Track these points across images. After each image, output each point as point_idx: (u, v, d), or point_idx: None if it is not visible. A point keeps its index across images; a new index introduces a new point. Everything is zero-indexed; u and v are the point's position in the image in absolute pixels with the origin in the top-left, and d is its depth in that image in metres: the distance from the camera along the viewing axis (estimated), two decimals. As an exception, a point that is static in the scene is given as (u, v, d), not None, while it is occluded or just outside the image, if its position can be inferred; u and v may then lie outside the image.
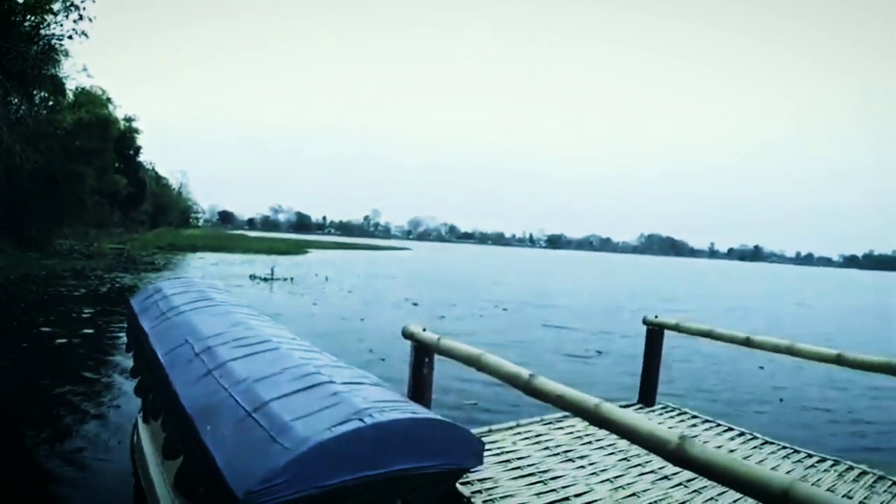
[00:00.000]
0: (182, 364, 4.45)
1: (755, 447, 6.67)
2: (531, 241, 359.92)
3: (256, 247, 75.95)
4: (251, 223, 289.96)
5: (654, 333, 7.77)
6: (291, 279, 35.55)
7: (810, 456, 6.46)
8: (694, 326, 7.30)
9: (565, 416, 6.97)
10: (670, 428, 6.92)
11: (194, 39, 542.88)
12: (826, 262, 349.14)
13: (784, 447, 6.70)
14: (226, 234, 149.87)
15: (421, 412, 3.80)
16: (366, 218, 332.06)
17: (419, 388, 5.73)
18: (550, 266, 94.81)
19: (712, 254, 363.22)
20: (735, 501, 4.99)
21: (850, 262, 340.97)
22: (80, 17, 34.00)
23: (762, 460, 6.24)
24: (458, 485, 4.86)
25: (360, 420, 3.30)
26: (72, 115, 40.42)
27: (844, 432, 11.55)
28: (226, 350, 4.48)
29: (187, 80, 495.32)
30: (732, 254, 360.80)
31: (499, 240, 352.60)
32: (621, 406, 7.68)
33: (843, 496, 5.39)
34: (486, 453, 5.64)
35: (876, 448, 10.45)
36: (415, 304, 26.91)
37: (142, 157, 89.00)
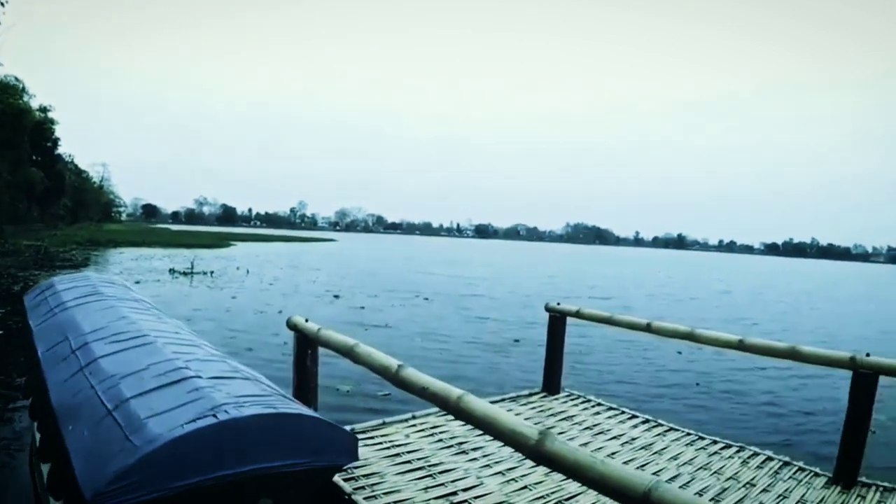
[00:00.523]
0: (58, 362, 4.32)
1: (658, 434, 6.61)
2: (458, 231, 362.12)
3: (179, 241, 74.85)
4: (175, 216, 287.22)
5: (556, 320, 7.65)
6: (212, 273, 35.04)
7: (715, 442, 6.41)
8: (595, 313, 7.25)
9: None
10: (573, 416, 6.94)
11: (114, 27, 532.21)
12: (748, 249, 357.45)
13: (689, 434, 6.64)
14: (148, 228, 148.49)
15: (286, 407, 3.59)
16: (292, 210, 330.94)
17: (303, 382, 5.58)
18: (476, 255, 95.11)
19: (637, 242, 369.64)
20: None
21: (771, 249, 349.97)
22: None
23: (665, 448, 6.18)
24: (340, 481, 4.69)
25: (214, 416, 3.14)
26: None
27: (757, 417, 11.57)
28: (100, 346, 4.33)
29: (110, 69, 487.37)
30: (657, 242, 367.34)
31: (426, 230, 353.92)
32: (525, 395, 7.67)
33: (747, 483, 5.36)
34: (376, 447, 5.48)
35: (786, 433, 10.47)
36: (336, 296, 26.52)
37: (60, 150, 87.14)
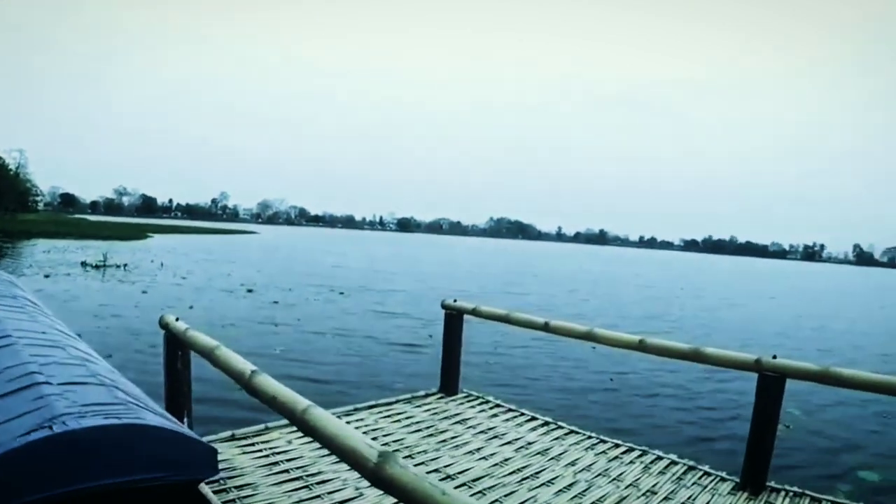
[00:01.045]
0: None
1: (558, 438, 6.35)
2: (381, 225, 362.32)
3: (95, 232, 73.77)
4: (94, 206, 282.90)
5: (452, 318, 7.38)
6: (125, 266, 34.37)
7: (617, 446, 6.19)
8: (491, 311, 6.95)
9: (356, 409, 6.59)
10: (468, 419, 6.65)
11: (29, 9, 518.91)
12: (668, 245, 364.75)
13: (589, 437, 6.41)
14: (65, 218, 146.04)
15: (134, 417, 3.18)
16: (213, 201, 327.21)
17: (175, 387, 5.24)
18: (396, 249, 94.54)
19: (559, 237, 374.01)
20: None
21: (691, 245, 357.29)
22: None
23: (563, 452, 5.91)
24: (209, 493, 4.27)
25: (50, 428, 2.76)
26: None
27: (666, 417, 11.47)
28: None
29: (29, 51, 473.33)
30: (579, 237, 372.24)
31: (349, 223, 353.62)
32: (420, 396, 7.40)
33: (648, 490, 5.13)
34: (255, 455, 5.13)
35: (695, 436, 10.35)
36: (249, 291, 26.02)
37: None
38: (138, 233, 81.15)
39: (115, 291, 24.10)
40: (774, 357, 5.11)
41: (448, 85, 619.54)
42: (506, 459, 5.65)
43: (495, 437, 6.26)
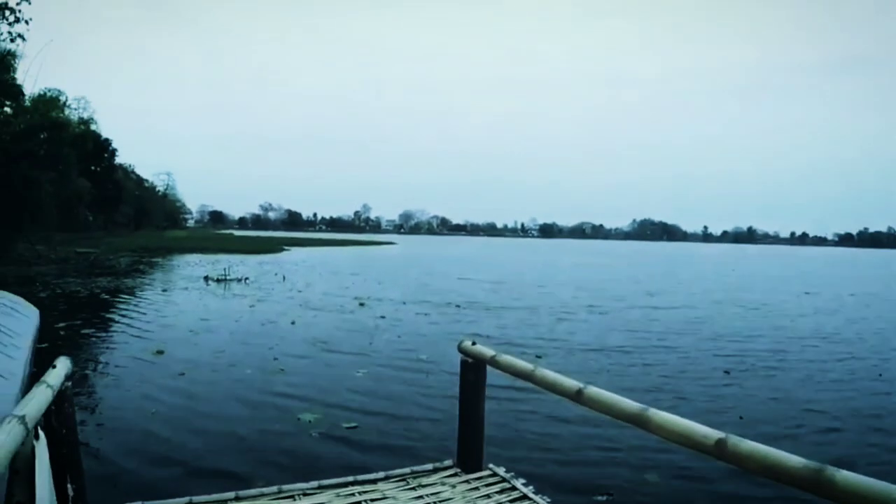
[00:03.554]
0: None
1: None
2: (523, 231, 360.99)
3: (233, 246, 75.77)
4: (241, 222, 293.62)
5: (472, 368, 5.31)
6: (246, 280, 34.45)
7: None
8: (512, 363, 4.72)
9: (322, 488, 4.95)
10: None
11: (169, 40, 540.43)
12: (821, 241, 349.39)
13: None
14: (213, 233, 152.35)
15: None
16: (356, 213, 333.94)
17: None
18: (536, 255, 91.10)
19: (706, 237, 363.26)
20: None
21: (845, 240, 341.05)
22: (17, 20, 33.30)
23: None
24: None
25: None
26: (22, 120, 39.38)
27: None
28: None
29: (171, 80, 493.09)
30: (726, 237, 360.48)
31: (490, 230, 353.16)
32: (428, 471, 5.45)
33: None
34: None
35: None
36: (361, 304, 24.90)
37: (120, 160, 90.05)
38: (275, 246, 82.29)
39: (222, 305, 24.08)
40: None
41: (578, 85, 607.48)
42: None
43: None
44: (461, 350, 5.27)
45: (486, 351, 4.97)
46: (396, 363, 14.37)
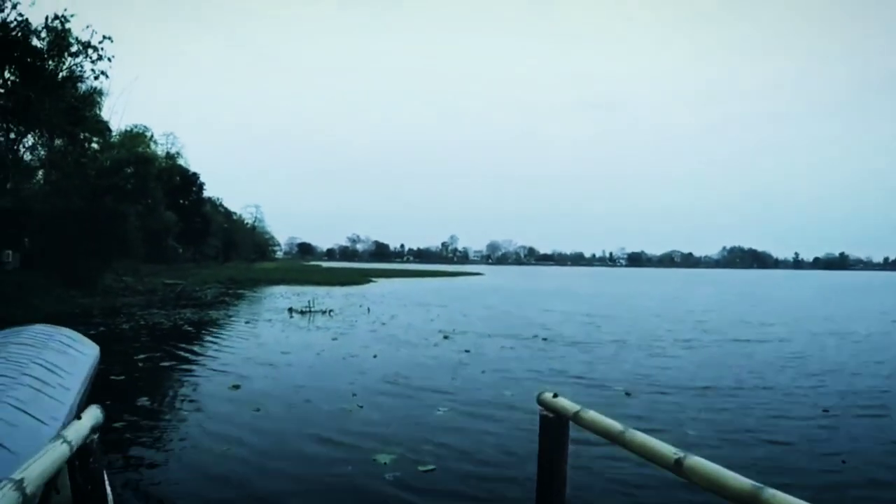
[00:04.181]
0: None
1: None
2: (611, 260, 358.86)
3: (320, 278, 76.69)
4: (330, 253, 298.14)
5: (553, 425, 4.66)
6: (330, 312, 34.25)
7: None
8: (599, 421, 4.11)
9: None
10: None
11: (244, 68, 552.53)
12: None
13: None
14: (300, 265, 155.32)
15: None
16: (443, 244, 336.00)
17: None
18: (625, 285, 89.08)
19: (797, 264, 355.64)
20: None
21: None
22: (100, 58, 34.18)
23: None
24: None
25: None
26: (109, 155, 40.39)
27: None
28: None
29: (258, 114, 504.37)
30: (818, 263, 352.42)
31: (578, 260, 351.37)
32: None
33: None
34: None
35: None
36: (445, 337, 24.52)
37: (208, 193, 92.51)
38: (361, 278, 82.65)
39: (305, 338, 23.94)
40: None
41: (661, 105, 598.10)
42: None
43: None
44: (541, 403, 4.69)
45: (569, 406, 4.37)
46: (479, 400, 13.85)
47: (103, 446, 4.23)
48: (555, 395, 4.52)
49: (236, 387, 14.61)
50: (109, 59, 34.95)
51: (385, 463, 9.24)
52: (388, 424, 11.51)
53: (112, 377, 15.27)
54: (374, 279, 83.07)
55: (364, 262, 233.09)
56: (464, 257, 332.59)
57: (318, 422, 11.68)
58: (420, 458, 9.49)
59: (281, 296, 48.40)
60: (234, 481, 8.52)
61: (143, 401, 13.18)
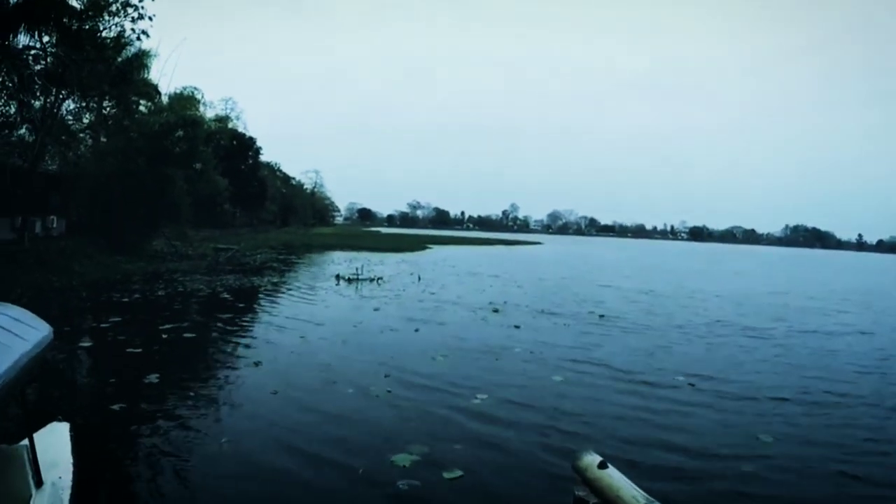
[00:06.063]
0: None
1: None
2: (672, 233, 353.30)
3: (376, 244, 76.35)
4: (390, 219, 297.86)
5: None
6: (379, 280, 33.14)
7: None
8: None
9: None
10: None
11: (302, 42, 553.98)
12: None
13: None
14: (358, 230, 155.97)
15: None
16: (504, 212, 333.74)
17: None
18: (687, 261, 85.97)
19: (860, 245, 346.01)
20: None
21: None
22: (140, 17, 33.11)
23: None
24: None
25: None
26: (158, 118, 39.51)
27: None
28: None
29: (320, 80, 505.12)
30: (882, 246, 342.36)
31: (639, 232, 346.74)
32: None
33: None
34: None
35: None
36: (495, 311, 22.99)
37: (266, 158, 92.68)
38: (417, 244, 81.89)
39: (346, 309, 22.85)
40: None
41: (724, 78, 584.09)
42: None
43: None
44: (577, 470, 3.12)
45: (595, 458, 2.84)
46: (524, 387, 12.29)
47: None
48: (602, 465, 2.90)
49: (257, 364, 13.33)
50: (151, 18, 33.75)
51: (404, 466, 7.99)
52: (417, 416, 10.16)
53: (129, 349, 14.23)
54: (430, 246, 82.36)
55: (423, 229, 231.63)
56: (524, 226, 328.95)
57: (338, 409, 10.38)
58: (447, 459, 8.18)
59: (332, 262, 47.51)
60: (221, 479, 7.60)
61: (153, 377, 11.82)
